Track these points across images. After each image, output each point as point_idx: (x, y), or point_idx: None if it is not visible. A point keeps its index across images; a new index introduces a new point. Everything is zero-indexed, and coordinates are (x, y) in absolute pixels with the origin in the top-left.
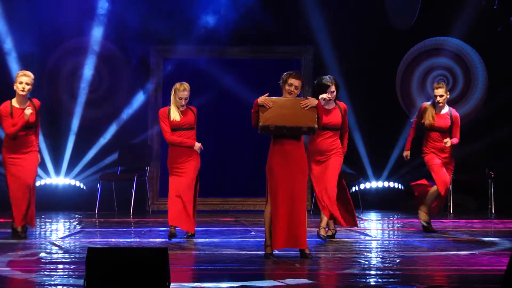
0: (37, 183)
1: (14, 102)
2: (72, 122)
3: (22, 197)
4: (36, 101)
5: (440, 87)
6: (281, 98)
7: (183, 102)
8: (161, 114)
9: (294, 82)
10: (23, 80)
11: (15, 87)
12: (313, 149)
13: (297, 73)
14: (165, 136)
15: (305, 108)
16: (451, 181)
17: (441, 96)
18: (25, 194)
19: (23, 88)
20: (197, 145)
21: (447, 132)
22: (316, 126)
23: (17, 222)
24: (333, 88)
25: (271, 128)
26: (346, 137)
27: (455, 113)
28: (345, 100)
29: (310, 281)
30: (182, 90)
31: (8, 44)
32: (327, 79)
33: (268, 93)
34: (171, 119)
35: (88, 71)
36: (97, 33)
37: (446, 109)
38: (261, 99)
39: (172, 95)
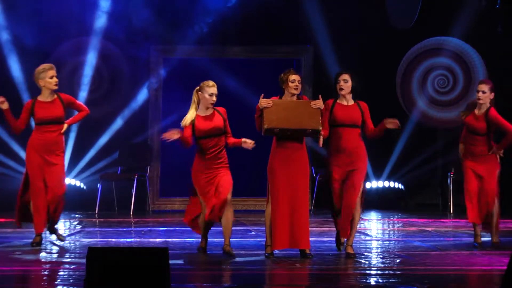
0: None
1: (42, 97)
2: None
3: (44, 205)
4: (64, 95)
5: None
6: (284, 100)
7: (214, 98)
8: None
9: (296, 77)
10: (54, 73)
11: (43, 83)
12: None
13: (293, 69)
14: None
15: (314, 107)
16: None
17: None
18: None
19: (57, 82)
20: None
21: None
22: (320, 128)
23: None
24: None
25: (275, 130)
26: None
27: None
28: None
29: (310, 282)
30: (211, 85)
31: (8, 42)
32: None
33: (263, 94)
34: (197, 127)
35: (88, 70)
36: (98, 32)
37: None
38: (261, 103)
39: (195, 96)
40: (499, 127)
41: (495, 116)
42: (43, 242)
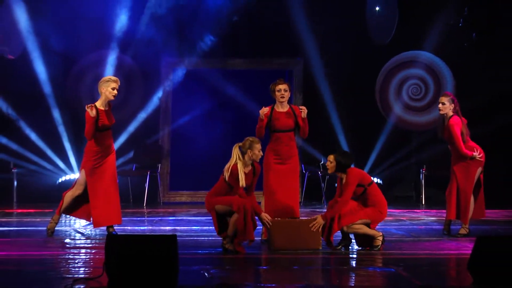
0: (62, 178)
1: (99, 105)
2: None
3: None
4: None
5: (442, 95)
6: (287, 221)
7: (262, 154)
8: (234, 173)
9: (282, 87)
10: (116, 86)
11: (105, 91)
12: None
13: (280, 79)
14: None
15: (313, 229)
16: (425, 177)
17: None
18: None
19: (115, 94)
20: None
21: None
22: (320, 248)
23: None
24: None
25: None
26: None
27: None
28: (331, 104)
29: (300, 263)
30: (258, 142)
31: (39, 60)
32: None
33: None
34: (240, 184)
35: None
36: (115, 47)
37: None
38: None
39: (238, 151)
40: (451, 136)
41: (451, 125)
42: (67, 230)
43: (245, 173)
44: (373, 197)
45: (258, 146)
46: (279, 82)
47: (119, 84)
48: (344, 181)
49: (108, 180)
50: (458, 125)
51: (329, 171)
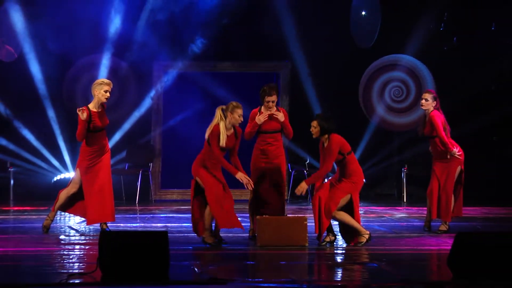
0: (57, 177)
1: (92, 107)
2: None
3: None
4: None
5: (425, 92)
6: (275, 218)
7: (242, 120)
8: (215, 132)
9: (270, 99)
10: (109, 89)
11: (98, 94)
12: None
13: (271, 90)
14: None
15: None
16: (406, 176)
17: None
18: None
19: (107, 97)
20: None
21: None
22: (307, 244)
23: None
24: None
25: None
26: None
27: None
28: (316, 106)
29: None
30: (239, 106)
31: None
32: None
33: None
34: (220, 143)
35: None
36: (109, 50)
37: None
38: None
39: (220, 113)
40: (433, 128)
41: (432, 116)
42: (62, 226)
43: (227, 135)
44: (350, 166)
45: (239, 111)
46: (271, 92)
47: (111, 86)
48: (326, 145)
49: (103, 179)
50: (440, 118)
51: (314, 136)
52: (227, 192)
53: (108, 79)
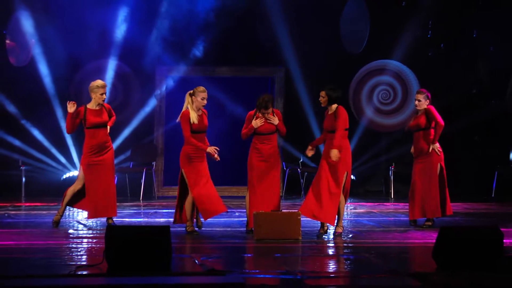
0: (66, 175)
1: (90, 106)
2: None
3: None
4: (106, 105)
5: (418, 93)
6: (270, 213)
7: (205, 102)
8: (184, 116)
9: (266, 111)
10: (104, 91)
11: (95, 97)
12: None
13: (267, 103)
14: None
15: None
16: (394, 173)
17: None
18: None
19: (104, 98)
20: (210, 148)
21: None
22: (300, 238)
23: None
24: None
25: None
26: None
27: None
28: (309, 108)
29: (277, 255)
30: (203, 90)
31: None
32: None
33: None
34: (192, 121)
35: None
36: (114, 56)
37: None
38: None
39: (189, 98)
40: (433, 118)
41: (429, 108)
42: (71, 221)
43: (198, 115)
44: (344, 139)
45: (202, 94)
46: (267, 105)
47: (106, 87)
48: (334, 113)
49: (105, 175)
50: (435, 111)
51: (322, 105)
52: (208, 183)
53: (113, 82)
